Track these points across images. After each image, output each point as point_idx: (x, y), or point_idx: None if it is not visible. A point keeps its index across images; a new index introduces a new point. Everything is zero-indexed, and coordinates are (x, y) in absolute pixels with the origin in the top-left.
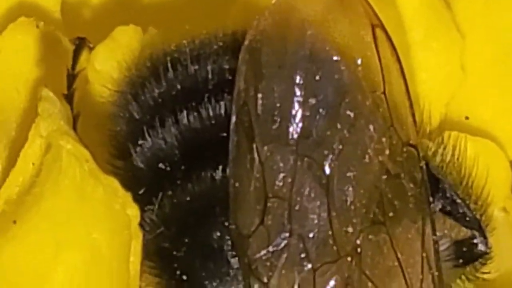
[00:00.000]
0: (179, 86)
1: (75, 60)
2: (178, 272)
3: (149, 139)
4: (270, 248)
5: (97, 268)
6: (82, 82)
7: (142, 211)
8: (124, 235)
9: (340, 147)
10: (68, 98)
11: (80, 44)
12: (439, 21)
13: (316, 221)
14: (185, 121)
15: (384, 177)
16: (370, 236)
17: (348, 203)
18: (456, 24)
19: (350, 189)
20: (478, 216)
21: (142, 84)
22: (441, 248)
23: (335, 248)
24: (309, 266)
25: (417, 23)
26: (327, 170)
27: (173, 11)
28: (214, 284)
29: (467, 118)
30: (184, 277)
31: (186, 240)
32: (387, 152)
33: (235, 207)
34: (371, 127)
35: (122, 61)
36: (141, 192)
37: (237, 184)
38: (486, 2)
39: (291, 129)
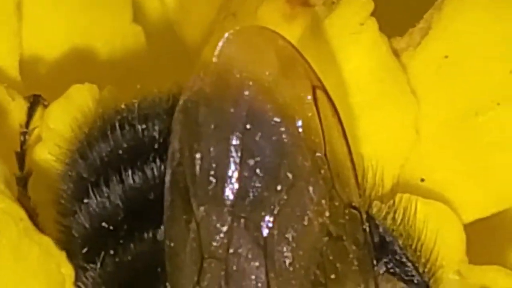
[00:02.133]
0: (125, 145)
1: (29, 117)
2: None
3: (94, 198)
4: None
5: None
6: (35, 140)
7: (85, 270)
8: None
9: (278, 208)
10: (20, 156)
11: (35, 101)
12: (394, 83)
13: (253, 283)
14: (129, 180)
15: (325, 239)
16: None
17: (287, 264)
18: (411, 87)
19: (289, 250)
20: (426, 279)
21: (90, 143)
22: None
23: None
24: None
25: (371, 84)
26: (265, 232)
27: (133, 69)
28: None
29: (422, 180)
30: None
31: None
32: (327, 214)
33: (172, 267)
34: (310, 188)
35: (75, 119)
36: (84, 251)
37: (172, 244)
38: (441, 67)
39: (227, 190)
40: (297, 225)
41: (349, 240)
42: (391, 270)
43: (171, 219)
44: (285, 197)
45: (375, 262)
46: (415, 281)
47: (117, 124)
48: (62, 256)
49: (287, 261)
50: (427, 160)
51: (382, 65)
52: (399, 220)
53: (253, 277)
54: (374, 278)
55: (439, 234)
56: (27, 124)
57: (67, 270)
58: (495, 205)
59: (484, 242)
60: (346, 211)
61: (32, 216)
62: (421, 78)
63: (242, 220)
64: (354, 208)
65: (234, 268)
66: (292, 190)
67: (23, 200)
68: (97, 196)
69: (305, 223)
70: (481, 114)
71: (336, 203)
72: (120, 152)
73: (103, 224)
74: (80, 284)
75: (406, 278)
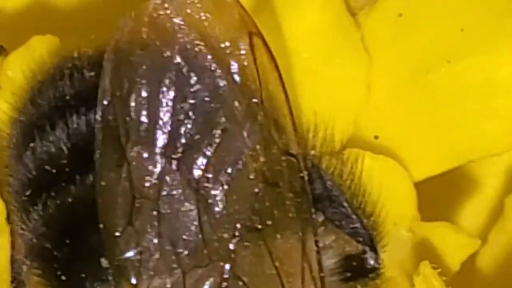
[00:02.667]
0: (72, 91)
1: None
2: (58, 273)
3: (39, 142)
4: (139, 250)
5: None
6: None
7: (28, 212)
8: None
9: (212, 152)
10: None
11: None
12: (347, 40)
13: (186, 225)
14: (74, 125)
15: (261, 185)
16: (245, 243)
17: (221, 208)
18: (365, 45)
19: (223, 194)
20: (371, 232)
21: (40, 89)
22: (329, 261)
23: (206, 252)
24: (179, 270)
25: (324, 40)
26: (197, 174)
27: (96, 19)
28: (94, 285)
29: (376, 137)
30: (64, 278)
31: (67, 241)
32: (262, 159)
33: (103, 206)
34: (245, 133)
35: (32, 68)
36: (28, 193)
37: (103, 183)
38: (395, 24)
39: (159, 132)
40: (231, 169)
41: (286, 187)
42: (336, 223)
43: (102, 158)
44: (219, 141)
45: (313, 211)
46: (359, 233)
47: (66, 71)
48: None
49: (221, 205)
50: (380, 117)
51: (335, 22)
52: (346, 175)
53: (185, 219)
54: (312, 227)
55: (389, 190)
56: None
57: None
58: (446, 163)
59: (435, 200)
60: (283, 158)
61: None
62: (376, 36)
63: (175, 162)
64: (292, 155)
65: (167, 209)
66: (226, 134)
67: None
68: (43, 141)
69: (240, 167)
70: (433, 71)
71: (273, 150)
72: (67, 98)
73: (46, 167)
74: (23, 226)
75: (349, 230)
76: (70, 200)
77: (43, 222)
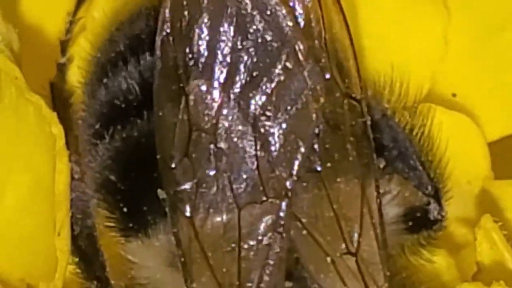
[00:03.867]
0: (147, 30)
1: (77, 7)
2: (121, 205)
3: (112, 77)
4: (195, 182)
5: (38, 188)
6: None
7: (95, 146)
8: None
9: (271, 89)
10: (64, 43)
11: None
12: None
13: (243, 160)
14: (146, 62)
15: (321, 126)
16: (303, 183)
17: (278, 145)
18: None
19: (281, 132)
20: (436, 184)
21: (118, 27)
22: (392, 210)
23: (262, 189)
24: (235, 205)
25: None
26: (255, 110)
27: None
28: (154, 218)
29: (454, 95)
30: (125, 210)
31: (131, 174)
32: (322, 100)
33: (160, 137)
34: (306, 73)
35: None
36: (97, 126)
37: (160, 114)
38: None
39: (219, 66)
40: (290, 108)
41: (347, 131)
42: (403, 174)
43: (160, 88)
44: (278, 79)
45: (375, 157)
46: (425, 185)
47: (144, 11)
48: (53, 116)
49: (279, 142)
50: (456, 75)
51: None
52: (417, 128)
53: (243, 154)
54: (374, 173)
55: (461, 147)
56: (74, 13)
57: (57, 130)
58: None
59: (508, 160)
60: (345, 101)
61: (68, 99)
62: None
63: (233, 97)
64: (354, 99)
65: (224, 144)
66: (286, 73)
67: (60, 84)
68: (115, 76)
69: (299, 106)
70: (509, 29)
71: (335, 92)
72: (142, 36)
73: (116, 101)
74: (90, 158)
75: (416, 182)
76: (136, 134)
77: (109, 155)
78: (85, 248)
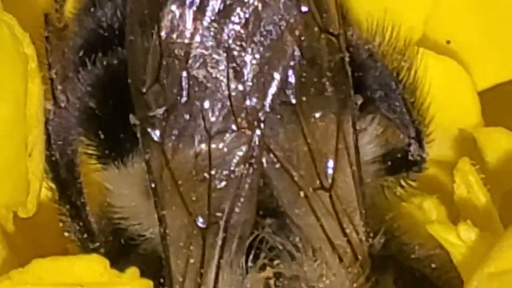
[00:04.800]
0: None
1: None
2: (99, 132)
3: (98, 6)
4: (166, 109)
5: (18, 112)
6: None
7: (78, 72)
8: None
9: (246, 17)
10: None
11: None
12: None
13: (215, 89)
14: None
15: (297, 59)
16: (277, 116)
17: (251, 75)
18: None
19: (254, 61)
20: (419, 126)
21: None
22: (371, 148)
23: (233, 118)
24: (205, 133)
25: None
26: (229, 39)
27: None
28: (131, 146)
29: (448, 42)
30: (102, 136)
31: (109, 101)
32: (298, 33)
33: (132, 62)
34: (281, 5)
35: None
36: (81, 53)
37: (132, 37)
38: None
39: None
40: (264, 38)
41: (324, 66)
42: (385, 113)
43: (133, 12)
44: (253, 8)
45: (353, 93)
46: (407, 126)
47: None
48: (25, 36)
49: (252, 72)
50: (450, 22)
51: None
52: (404, 70)
53: (215, 83)
54: (351, 109)
55: (450, 92)
56: None
57: (29, 50)
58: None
59: (497, 108)
60: (322, 36)
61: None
62: None
63: (206, 24)
64: (332, 34)
65: (196, 71)
66: (262, 3)
67: (55, 15)
68: (101, 5)
69: (274, 37)
70: None
71: (312, 26)
72: None
73: (100, 30)
74: (73, 85)
75: (399, 122)
76: (116, 61)
77: (90, 82)
78: (63, 174)
